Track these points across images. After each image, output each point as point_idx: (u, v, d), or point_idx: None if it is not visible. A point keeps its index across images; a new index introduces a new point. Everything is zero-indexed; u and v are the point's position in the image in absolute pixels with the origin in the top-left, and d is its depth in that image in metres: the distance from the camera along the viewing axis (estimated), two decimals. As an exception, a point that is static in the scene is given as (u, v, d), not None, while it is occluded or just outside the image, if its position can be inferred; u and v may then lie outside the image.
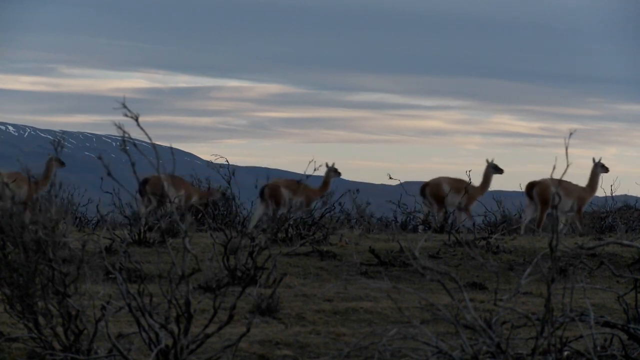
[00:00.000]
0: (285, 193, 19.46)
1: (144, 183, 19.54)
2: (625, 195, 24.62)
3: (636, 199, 23.34)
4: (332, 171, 20.25)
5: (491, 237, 15.52)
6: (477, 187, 19.93)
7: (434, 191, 19.68)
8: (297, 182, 19.62)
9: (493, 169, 20.15)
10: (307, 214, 18.11)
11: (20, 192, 18.34)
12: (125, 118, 6.79)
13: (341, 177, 20.56)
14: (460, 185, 19.69)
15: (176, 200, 19.45)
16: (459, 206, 19.63)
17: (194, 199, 19.97)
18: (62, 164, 19.36)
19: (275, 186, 19.50)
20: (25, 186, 18.23)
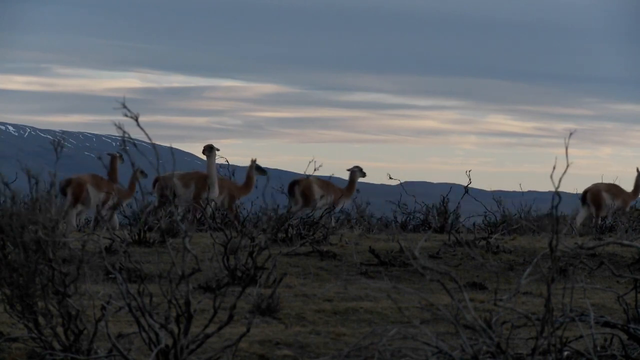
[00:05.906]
0: (606, 197, 21.10)
1: (292, 184, 20.16)
2: (625, 195, 24.58)
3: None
4: None
5: (491, 237, 15.52)
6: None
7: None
8: (616, 186, 21.30)
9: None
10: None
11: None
12: (124, 118, 6.78)
13: (332, 176, 20.89)
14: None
15: (322, 203, 19.94)
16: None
17: (342, 202, 20.48)
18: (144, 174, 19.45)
19: (596, 190, 21.08)
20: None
